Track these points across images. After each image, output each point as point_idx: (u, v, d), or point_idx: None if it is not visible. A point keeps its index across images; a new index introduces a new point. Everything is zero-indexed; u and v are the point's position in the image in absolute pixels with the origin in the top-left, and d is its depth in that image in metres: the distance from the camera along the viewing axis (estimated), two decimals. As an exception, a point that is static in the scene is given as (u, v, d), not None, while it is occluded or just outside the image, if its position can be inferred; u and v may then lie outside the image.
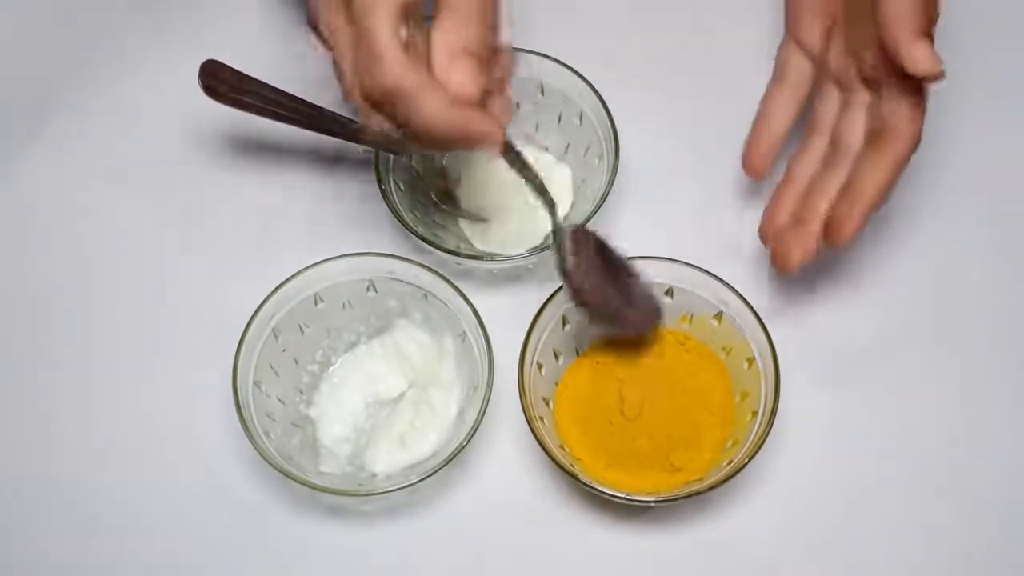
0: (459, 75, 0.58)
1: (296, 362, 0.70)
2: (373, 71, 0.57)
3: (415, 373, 0.70)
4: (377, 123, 0.60)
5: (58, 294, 0.75)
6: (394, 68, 0.57)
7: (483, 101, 0.60)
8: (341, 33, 0.59)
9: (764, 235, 0.70)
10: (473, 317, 0.67)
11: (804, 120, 0.72)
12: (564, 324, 0.69)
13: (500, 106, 0.61)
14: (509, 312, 0.70)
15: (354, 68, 0.59)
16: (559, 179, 0.77)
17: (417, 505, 0.69)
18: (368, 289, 0.71)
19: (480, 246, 0.75)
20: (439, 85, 0.57)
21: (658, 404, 0.69)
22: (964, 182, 0.77)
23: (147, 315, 0.74)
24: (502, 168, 0.64)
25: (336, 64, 0.61)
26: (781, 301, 0.73)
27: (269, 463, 0.65)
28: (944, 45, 0.64)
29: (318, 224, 0.76)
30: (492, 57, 0.61)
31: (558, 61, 0.74)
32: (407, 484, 0.65)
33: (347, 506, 0.69)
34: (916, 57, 0.62)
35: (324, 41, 0.61)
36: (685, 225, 0.76)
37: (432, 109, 0.57)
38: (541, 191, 0.65)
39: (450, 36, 0.58)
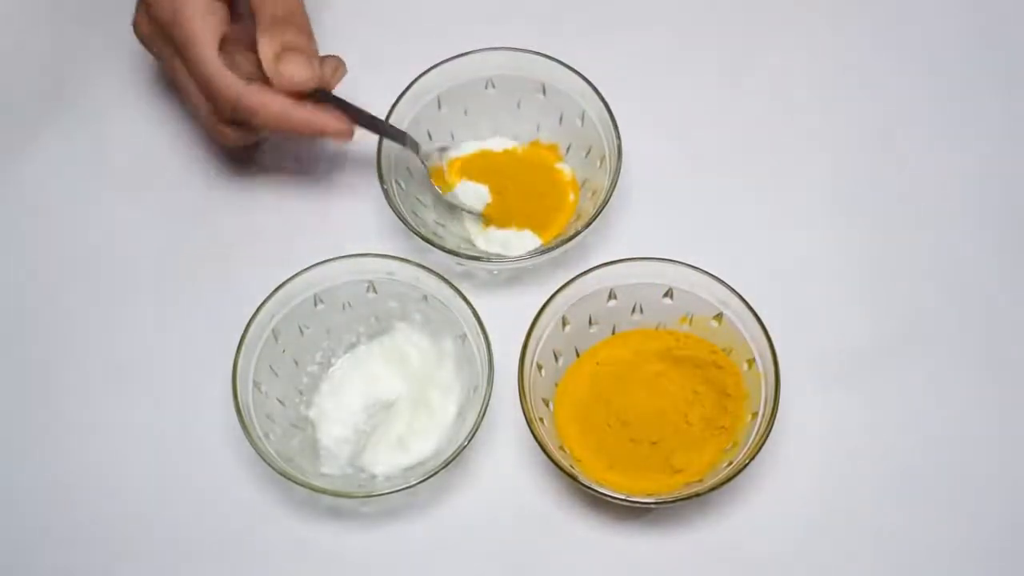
0: (288, 67, 0.68)
1: (296, 363, 0.70)
2: (214, 95, 0.68)
3: (415, 374, 0.70)
4: (239, 138, 0.72)
5: (58, 295, 0.75)
6: (232, 87, 0.68)
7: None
8: (180, 75, 0.70)
9: None
10: (473, 318, 0.67)
11: None
12: (564, 325, 0.69)
13: (332, 66, 0.70)
14: (509, 313, 0.69)
15: (199, 101, 0.70)
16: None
17: (417, 507, 0.69)
18: (368, 290, 0.71)
19: (482, 247, 0.75)
20: (274, 91, 0.68)
21: (657, 405, 0.69)
22: (965, 183, 0.77)
23: (147, 316, 0.74)
24: None
25: (189, 108, 0.73)
26: (781, 302, 0.73)
27: (269, 464, 0.65)
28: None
29: (318, 224, 0.76)
30: (319, 58, 0.70)
31: (560, 62, 0.74)
32: (407, 486, 0.65)
33: (347, 507, 0.69)
34: None
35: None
36: (686, 226, 0.76)
37: (277, 111, 0.68)
38: (387, 133, 0.72)
39: (271, 39, 0.68)
